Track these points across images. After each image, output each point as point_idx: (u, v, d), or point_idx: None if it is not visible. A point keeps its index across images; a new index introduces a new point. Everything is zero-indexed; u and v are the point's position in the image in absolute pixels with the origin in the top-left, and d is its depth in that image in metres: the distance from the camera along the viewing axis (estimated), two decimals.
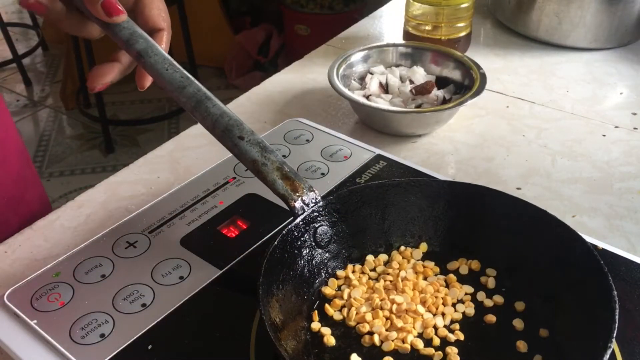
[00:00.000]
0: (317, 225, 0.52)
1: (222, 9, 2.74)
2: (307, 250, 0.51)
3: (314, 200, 0.51)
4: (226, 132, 0.51)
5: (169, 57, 0.53)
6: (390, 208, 0.55)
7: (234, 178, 0.65)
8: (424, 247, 0.55)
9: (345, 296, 0.51)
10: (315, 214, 0.51)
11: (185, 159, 0.75)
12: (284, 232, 0.49)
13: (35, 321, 0.49)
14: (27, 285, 0.52)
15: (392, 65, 0.85)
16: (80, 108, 2.53)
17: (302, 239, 0.51)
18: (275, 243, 0.48)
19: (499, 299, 0.51)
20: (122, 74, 0.55)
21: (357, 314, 0.50)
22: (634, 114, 0.83)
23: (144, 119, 2.53)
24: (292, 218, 0.50)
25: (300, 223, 0.50)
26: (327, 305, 0.50)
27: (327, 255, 0.53)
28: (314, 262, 0.52)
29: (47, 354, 0.47)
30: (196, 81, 0.52)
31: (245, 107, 0.84)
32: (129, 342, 0.48)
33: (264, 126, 0.80)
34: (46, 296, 0.51)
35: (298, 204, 0.50)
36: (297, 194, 0.50)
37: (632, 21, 0.95)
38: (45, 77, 3.01)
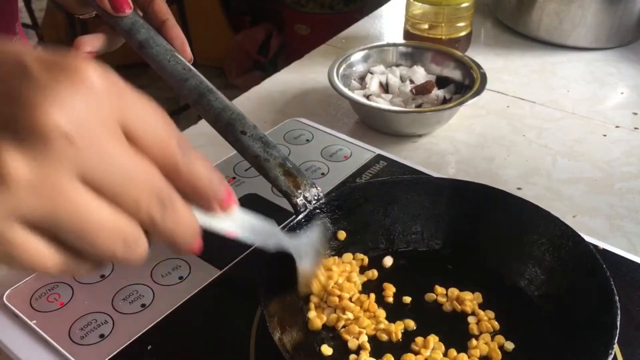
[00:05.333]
0: (319, 223, 0.51)
1: (222, 9, 2.73)
2: None
3: (316, 197, 0.50)
4: (228, 127, 0.50)
5: (172, 48, 0.52)
6: (392, 205, 0.55)
7: (234, 178, 0.65)
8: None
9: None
10: (317, 211, 0.51)
11: None
12: (285, 230, 0.49)
13: (34, 321, 0.49)
14: (27, 286, 0.52)
15: (392, 65, 0.85)
16: None
17: None
18: None
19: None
20: (108, 46, 0.54)
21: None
22: (635, 113, 0.82)
23: None
24: (294, 215, 0.50)
25: (303, 220, 0.50)
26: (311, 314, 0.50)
27: (328, 252, 0.53)
28: None
29: (47, 354, 0.47)
30: (199, 73, 0.52)
31: (245, 106, 0.84)
32: (129, 342, 0.48)
33: (264, 126, 0.80)
34: (45, 296, 0.51)
35: (300, 201, 0.50)
36: (299, 191, 0.50)
37: (633, 21, 0.95)
38: None
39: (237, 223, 0.36)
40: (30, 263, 0.26)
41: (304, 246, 0.46)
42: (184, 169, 0.29)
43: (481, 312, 0.49)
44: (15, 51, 0.26)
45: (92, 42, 0.53)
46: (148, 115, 0.27)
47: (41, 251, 0.26)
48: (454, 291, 0.51)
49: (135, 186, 0.27)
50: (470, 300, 0.50)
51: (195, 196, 0.30)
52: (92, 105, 0.25)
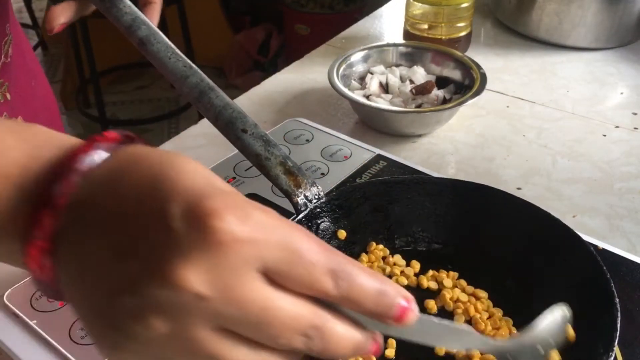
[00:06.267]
0: (319, 222, 0.51)
1: (222, 9, 2.73)
2: None
3: (316, 196, 0.50)
4: (229, 125, 0.50)
5: (172, 45, 0.52)
6: (393, 205, 0.55)
7: (234, 178, 0.65)
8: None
9: None
10: (318, 210, 0.51)
11: None
12: None
13: (35, 321, 0.49)
14: (27, 286, 0.52)
15: (392, 65, 0.85)
16: (79, 108, 2.52)
17: None
18: None
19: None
20: (78, 14, 0.56)
21: None
22: (635, 113, 0.82)
23: (144, 119, 2.53)
24: (294, 214, 0.50)
25: (303, 219, 0.50)
26: None
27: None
28: None
29: (47, 354, 0.47)
30: (199, 71, 0.51)
31: (245, 107, 0.84)
32: None
33: (264, 126, 0.80)
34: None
35: (301, 200, 0.50)
36: (300, 190, 0.49)
37: (633, 21, 0.95)
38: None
39: (418, 330, 0.31)
40: None
41: (518, 352, 0.37)
42: (337, 296, 0.28)
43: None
44: (162, 190, 0.26)
45: (65, 12, 0.55)
46: (288, 254, 0.27)
47: None
48: (463, 283, 0.52)
49: (271, 326, 0.27)
50: (477, 295, 0.51)
51: (363, 314, 0.29)
52: (224, 262, 0.26)
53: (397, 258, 0.54)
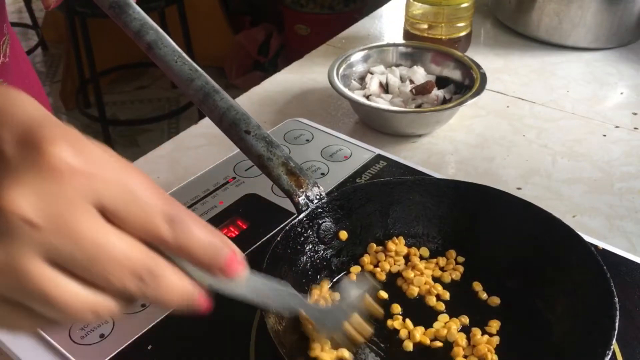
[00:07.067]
0: (320, 222, 0.52)
1: (222, 9, 2.74)
2: (310, 246, 0.51)
3: (318, 196, 0.51)
4: (233, 126, 0.51)
5: (179, 49, 0.53)
6: (394, 206, 0.55)
7: (234, 178, 0.65)
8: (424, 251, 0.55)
9: None
10: (319, 210, 0.51)
11: (185, 159, 0.75)
12: (287, 227, 0.49)
13: None
14: None
15: (392, 65, 0.85)
16: (79, 108, 2.52)
17: (305, 235, 0.51)
18: (278, 239, 0.48)
19: (496, 299, 0.51)
20: None
21: None
22: (635, 113, 0.82)
23: (144, 119, 2.53)
24: (296, 214, 0.50)
25: (304, 219, 0.50)
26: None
27: (330, 251, 0.53)
28: (316, 258, 0.52)
29: (47, 354, 0.47)
30: (205, 74, 0.53)
31: (245, 107, 0.83)
32: (129, 342, 0.48)
33: (264, 126, 0.79)
34: None
35: (302, 200, 0.50)
36: (302, 190, 0.50)
37: (633, 21, 0.95)
38: (44, 77, 3.01)
39: (246, 287, 0.33)
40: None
41: (326, 313, 0.43)
42: (171, 241, 0.28)
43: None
44: None
45: None
46: (125, 192, 0.27)
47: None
48: (477, 285, 0.52)
49: (104, 263, 0.26)
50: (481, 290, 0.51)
51: (193, 263, 0.29)
52: (58, 190, 0.25)
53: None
